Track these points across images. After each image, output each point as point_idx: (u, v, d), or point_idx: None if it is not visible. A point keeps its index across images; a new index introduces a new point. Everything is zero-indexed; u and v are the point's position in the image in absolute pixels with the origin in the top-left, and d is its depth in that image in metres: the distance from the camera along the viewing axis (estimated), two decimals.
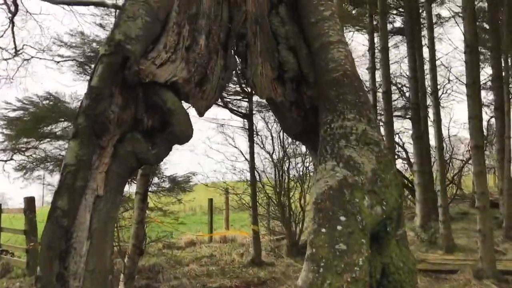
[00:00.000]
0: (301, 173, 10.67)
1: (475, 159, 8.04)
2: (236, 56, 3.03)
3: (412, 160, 15.65)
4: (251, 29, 3.00)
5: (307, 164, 10.73)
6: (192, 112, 3.05)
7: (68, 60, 8.27)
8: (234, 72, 3.09)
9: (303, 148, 11.17)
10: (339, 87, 2.80)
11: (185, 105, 2.92)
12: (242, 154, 10.41)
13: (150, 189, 8.11)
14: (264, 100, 9.31)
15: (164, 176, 8.61)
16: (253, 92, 10.24)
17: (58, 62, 8.41)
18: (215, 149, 10.31)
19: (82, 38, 8.10)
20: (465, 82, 8.33)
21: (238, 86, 9.50)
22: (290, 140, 10.99)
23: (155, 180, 8.70)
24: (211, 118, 9.88)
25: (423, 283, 7.70)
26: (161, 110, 2.82)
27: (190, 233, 11.75)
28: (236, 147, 10.49)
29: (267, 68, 3.04)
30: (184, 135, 2.80)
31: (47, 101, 7.56)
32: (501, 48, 13.58)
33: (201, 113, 2.91)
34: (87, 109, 2.72)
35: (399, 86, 17.50)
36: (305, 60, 3.05)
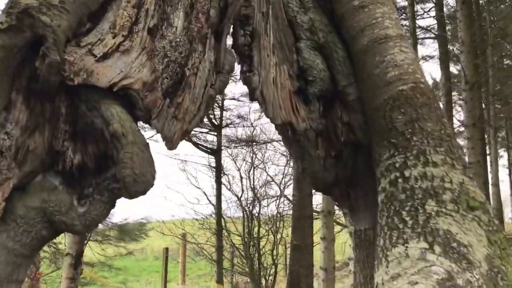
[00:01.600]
0: (274, 219, 9.47)
1: None
2: (233, 51, 1.88)
3: None
4: (260, 8, 1.87)
5: (281, 209, 9.57)
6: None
7: None
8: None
9: (277, 188, 10.05)
10: (410, 107, 1.70)
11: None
12: (206, 196, 9.13)
13: (91, 237, 6.68)
14: (235, 134, 7.84)
15: (111, 224, 7.13)
16: (222, 124, 9.20)
17: None
18: (174, 189, 8.97)
19: None
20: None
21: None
22: (261, 180, 9.86)
23: (99, 226, 7.22)
24: (172, 154, 8.59)
25: None
26: (100, 137, 1.61)
27: None
28: (199, 188, 9.20)
29: (284, 75, 1.91)
30: (139, 182, 1.58)
31: None
32: (482, 88, 13.28)
33: (171, 143, 1.69)
34: None
35: None
36: (342, 65, 1.95)
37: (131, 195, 1.61)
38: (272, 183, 10.18)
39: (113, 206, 1.67)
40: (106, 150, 1.61)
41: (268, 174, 9.96)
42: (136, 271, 17.39)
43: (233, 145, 8.80)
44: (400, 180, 1.58)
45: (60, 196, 1.61)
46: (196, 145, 8.31)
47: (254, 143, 9.19)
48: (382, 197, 1.62)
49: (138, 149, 1.58)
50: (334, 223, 16.18)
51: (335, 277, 7.05)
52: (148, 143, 1.66)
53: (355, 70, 1.93)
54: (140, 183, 1.57)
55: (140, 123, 1.72)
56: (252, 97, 1.82)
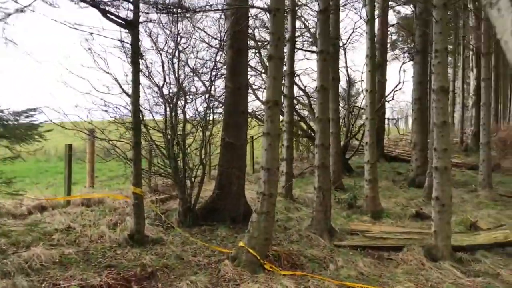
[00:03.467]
0: (202, 114, 8.19)
1: (438, 105, 6.43)
2: None
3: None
4: None
5: (212, 104, 8.29)
6: None
7: None
8: None
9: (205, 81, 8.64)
10: None
11: None
12: (119, 84, 7.46)
13: None
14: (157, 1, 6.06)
15: None
16: None
17: None
18: (77, 74, 7.14)
19: None
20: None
21: None
22: (187, 69, 8.34)
23: None
24: (72, 23, 6.64)
25: (367, 267, 6.04)
26: None
27: (37, 195, 8.58)
28: (110, 73, 7.47)
29: None
30: None
31: None
32: None
33: None
34: None
35: None
36: None
37: None
38: (199, 75, 8.73)
39: None
40: None
41: (190, 67, 8.45)
42: (34, 174, 15.60)
43: (154, 11, 6.95)
44: None
45: None
46: (105, 14, 6.45)
47: (180, 11, 7.40)
48: None
49: None
50: (258, 124, 15.26)
51: (278, 179, 6.11)
52: None
53: None
54: None
55: None
56: None
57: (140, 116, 7.18)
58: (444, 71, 6.46)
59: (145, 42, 14.88)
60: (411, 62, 30.11)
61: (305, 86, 15.88)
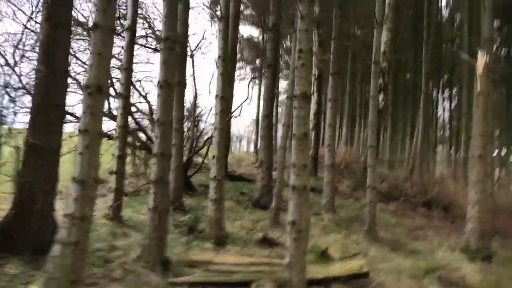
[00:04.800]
0: None
1: (299, 114, 5.57)
2: None
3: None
4: None
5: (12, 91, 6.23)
6: None
7: None
8: None
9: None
10: None
11: None
12: None
13: None
14: None
15: None
16: None
17: None
18: None
19: None
20: None
21: None
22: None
23: None
24: None
25: None
26: None
27: None
28: None
29: None
30: None
31: None
32: None
33: None
34: None
35: None
36: None
37: None
38: None
39: None
40: None
41: None
42: None
43: None
44: None
45: None
46: None
47: None
48: None
49: None
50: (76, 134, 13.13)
51: (95, 196, 4.48)
52: None
53: None
54: None
55: None
56: None
57: None
58: (307, 75, 5.64)
59: None
60: (256, 81, 30.71)
61: (146, 93, 14.23)
